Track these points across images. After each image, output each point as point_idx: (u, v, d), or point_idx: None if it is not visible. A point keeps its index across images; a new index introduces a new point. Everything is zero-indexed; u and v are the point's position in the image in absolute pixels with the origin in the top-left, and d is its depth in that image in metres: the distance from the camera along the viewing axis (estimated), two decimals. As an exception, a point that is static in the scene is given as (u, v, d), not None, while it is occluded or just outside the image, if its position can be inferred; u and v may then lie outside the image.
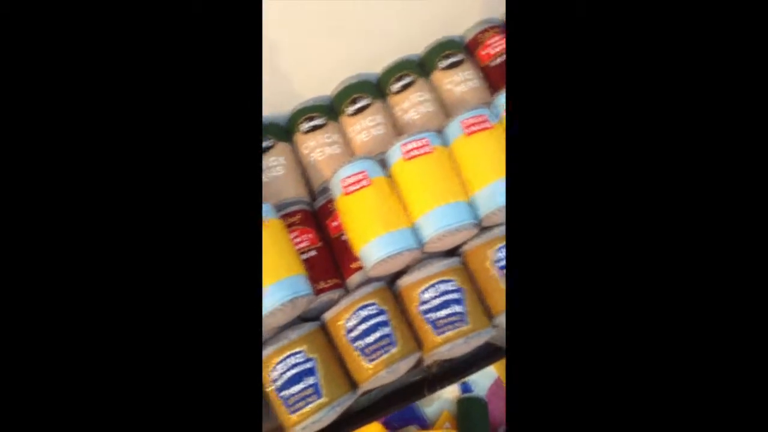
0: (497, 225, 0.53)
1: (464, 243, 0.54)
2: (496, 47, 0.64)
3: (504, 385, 0.92)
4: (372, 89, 0.64)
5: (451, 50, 0.64)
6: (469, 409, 0.92)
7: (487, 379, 1.02)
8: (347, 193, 0.51)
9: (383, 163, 0.55)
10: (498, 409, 0.98)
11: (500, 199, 0.50)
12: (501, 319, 0.51)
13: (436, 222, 0.50)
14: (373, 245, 0.49)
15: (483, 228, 0.54)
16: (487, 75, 0.65)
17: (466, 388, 1.01)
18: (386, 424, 0.76)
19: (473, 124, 0.53)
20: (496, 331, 0.53)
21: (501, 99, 0.56)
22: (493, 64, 0.64)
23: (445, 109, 0.63)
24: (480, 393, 1.00)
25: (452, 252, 0.55)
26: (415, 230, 0.51)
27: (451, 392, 1.02)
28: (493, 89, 0.63)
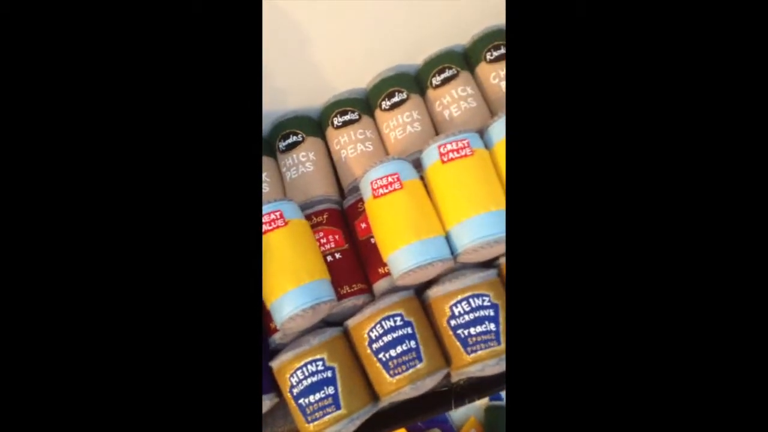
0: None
1: (502, 254, 0.49)
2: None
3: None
4: (410, 83, 0.60)
5: (500, 41, 0.59)
6: (496, 418, 0.89)
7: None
8: (377, 197, 0.48)
9: (418, 164, 0.51)
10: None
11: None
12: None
13: (473, 232, 0.46)
14: (403, 253, 0.46)
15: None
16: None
17: (495, 396, 0.97)
18: (410, 426, 0.74)
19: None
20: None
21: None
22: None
23: (491, 106, 0.58)
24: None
25: (489, 263, 0.51)
26: (449, 239, 0.48)
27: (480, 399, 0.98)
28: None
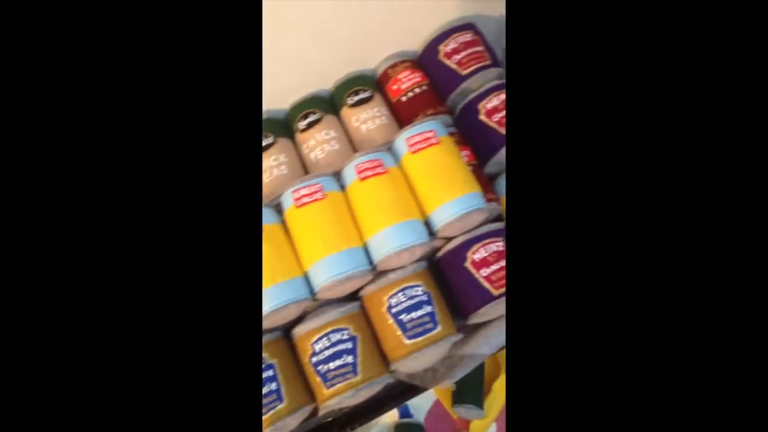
0: (393, 270, 0.52)
1: (363, 287, 0.53)
2: (405, 82, 0.63)
3: (443, 406, 0.92)
4: (278, 127, 0.63)
5: (361, 86, 0.63)
6: (407, 435, 0.93)
7: (427, 401, 1.02)
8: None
9: (279, 209, 0.54)
10: (437, 431, 0.98)
11: (394, 244, 0.49)
12: (400, 365, 0.51)
13: (327, 270, 0.49)
14: (266, 295, 0.48)
15: (379, 273, 0.53)
16: (397, 110, 0.64)
17: (404, 413, 1.01)
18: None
19: (367, 169, 0.52)
20: (393, 377, 0.52)
21: (400, 140, 0.55)
22: (403, 99, 0.63)
23: (355, 147, 0.63)
24: (419, 416, 1.00)
25: (353, 295, 0.54)
26: (306, 279, 0.50)
27: (389, 416, 1.02)
28: (403, 125, 0.62)
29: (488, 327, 0.59)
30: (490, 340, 0.59)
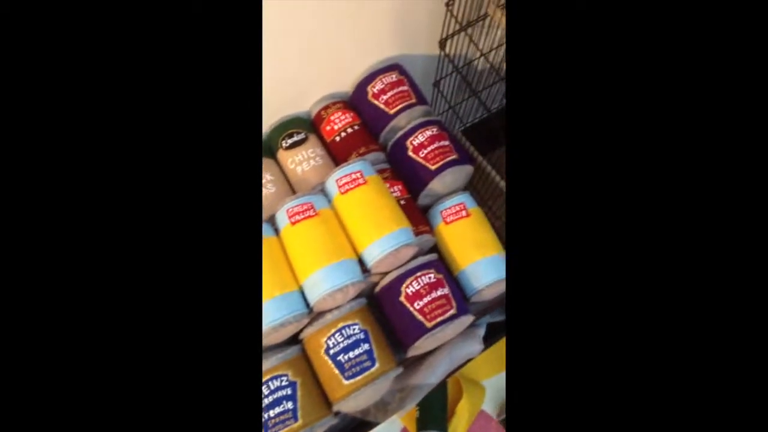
0: (330, 310, 0.53)
1: (302, 330, 0.54)
2: (338, 123, 0.66)
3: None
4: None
5: (295, 128, 0.65)
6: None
7: (394, 428, 1.02)
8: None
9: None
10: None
11: (327, 285, 0.50)
12: (341, 405, 0.52)
13: (264, 317, 0.49)
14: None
15: (317, 314, 0.54)
16: (332, 150, 0.66)
17: None
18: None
19: (297, 213, 0.53)
20: (338, 418, 0.53)
21: (331, 181, 0.57)
22: (337, 138, 0.65)
23: (293, 187, 0.64)
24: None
25: (295, 338, 0.55)
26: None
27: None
28: (338, 164, 0.64)
29: (434, 356, 0.60)
30: (437, 370, 0.60)
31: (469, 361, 0.64)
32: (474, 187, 0.97)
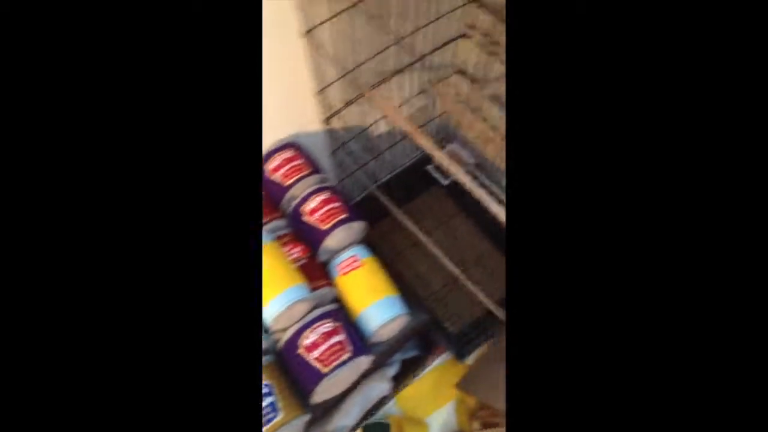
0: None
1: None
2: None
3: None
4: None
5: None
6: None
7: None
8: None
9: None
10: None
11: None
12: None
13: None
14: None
15: None
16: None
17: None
18: None
19: None
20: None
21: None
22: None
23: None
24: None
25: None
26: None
27: None
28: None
29: (347, 401, 0.65)
30: (351, 412, 0.65)
31: (384, 400, 0.69)
32: (386, 236, 1.06)
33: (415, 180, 1.02)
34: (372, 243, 1.01)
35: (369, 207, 1.01)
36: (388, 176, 1.09)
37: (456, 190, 0.66)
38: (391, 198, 0.93)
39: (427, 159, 1.09)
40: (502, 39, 0.77)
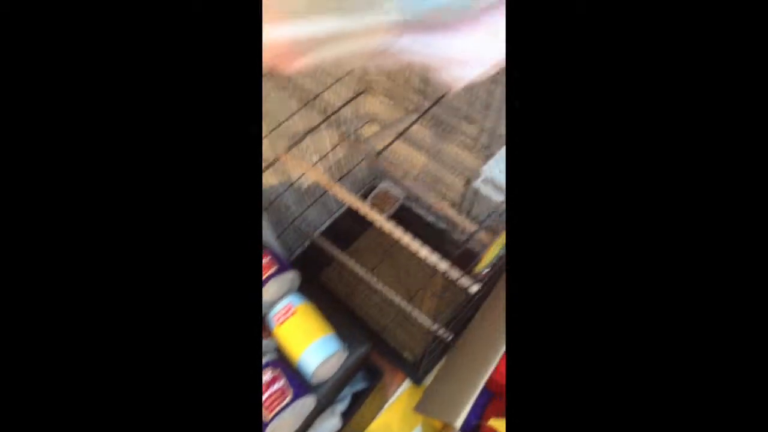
0: None
1: None
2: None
3: None
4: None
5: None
6: None
7: None
8: None
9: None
10: None
11: None
12: None
13: None
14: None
15: None
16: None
17: None
18: None
19: None
20: None
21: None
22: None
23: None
24: None
25: None
26: None
27: None
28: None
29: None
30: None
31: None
32: (331, 279, 1.11)
33: (354, 221, 1.09)
34: (325, 285, 1.07)
35: (314, 254, 1.07)
36: (329, 222, 1.15)
37: (398, 219, 0.71)
38: (334, 242, 0.99)
39: (365, 196, 1.17)
40: (399, 92, 0.86)
